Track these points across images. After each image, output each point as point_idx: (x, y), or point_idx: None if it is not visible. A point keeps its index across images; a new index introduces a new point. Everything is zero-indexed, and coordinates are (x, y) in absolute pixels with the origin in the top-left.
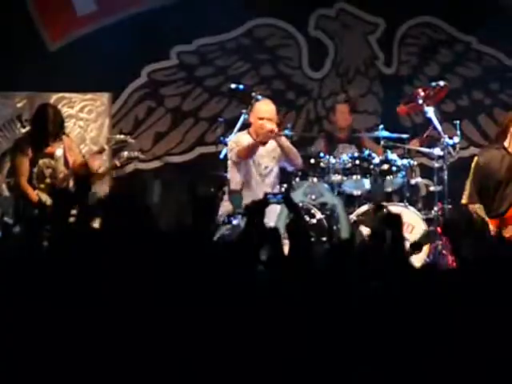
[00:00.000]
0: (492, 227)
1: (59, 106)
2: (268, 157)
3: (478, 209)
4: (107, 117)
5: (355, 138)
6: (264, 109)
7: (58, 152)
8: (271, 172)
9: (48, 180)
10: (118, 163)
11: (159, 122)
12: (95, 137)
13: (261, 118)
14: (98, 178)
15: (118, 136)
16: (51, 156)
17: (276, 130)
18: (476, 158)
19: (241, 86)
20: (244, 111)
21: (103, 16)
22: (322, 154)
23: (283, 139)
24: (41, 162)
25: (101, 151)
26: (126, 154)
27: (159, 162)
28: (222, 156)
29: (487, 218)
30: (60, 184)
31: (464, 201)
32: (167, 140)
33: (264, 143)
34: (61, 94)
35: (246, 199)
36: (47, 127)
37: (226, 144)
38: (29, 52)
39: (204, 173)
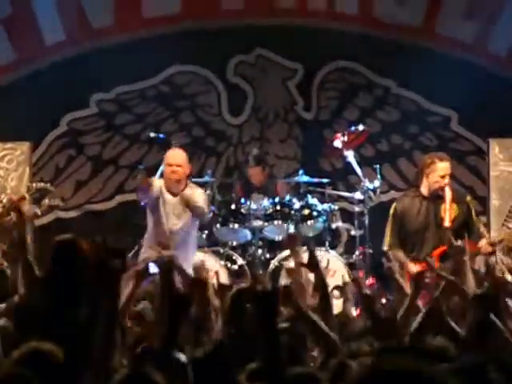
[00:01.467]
0: (415, 269)
1: None
2: (177, 211)
3: (398, 254)
4: (28, 166)
5: (270, 186)
6: (172, 156)
7: None
8: (180, 226)
9: None
10: (38, 212)
11: (79, 170)
12: (16, 186)
13: (169, 165)
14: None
15: (38, 184)
16: None
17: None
18: (394, 205)
19: (160, 135)
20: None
21: (22, 65)
22: (242, 200)
23: (187, 192)
24: None
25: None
26: (46, 202)
27: (80, 210)
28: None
29: (409, 261)
30: None
31: (385, 248)
32: (88, 188)
33: (174, 193)
34: None
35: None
36: None
37: (145, 191)
38: None
39: (125, 221)
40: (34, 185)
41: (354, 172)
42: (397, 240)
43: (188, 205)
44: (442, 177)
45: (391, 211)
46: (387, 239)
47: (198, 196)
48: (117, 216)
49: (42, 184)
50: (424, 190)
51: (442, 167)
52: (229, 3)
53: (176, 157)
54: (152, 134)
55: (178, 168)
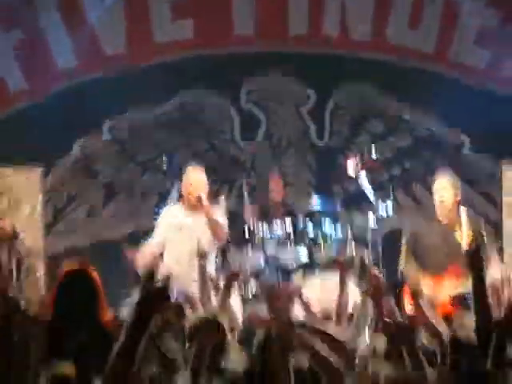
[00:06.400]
0: (430, 284)
1: None
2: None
3: (414, 272)
4: (40, 191)
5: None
6: (193, 175)
7: None
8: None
9: None
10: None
11: (92, 196)
12: (29, 212)
13: (189, 184)
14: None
15: None
16: None
17: (204, 197)
18: (408, 226)
19: (173, 160)
20: (177, 183)
21: (34, 91)
22: (255, 224)
23: (210, 210)
24: None
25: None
26: None
27: (92, 237)
28: None
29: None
30: None
31: (401, 266)
32: (100, 215)
33: (194, 211)
34: None
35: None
36: None
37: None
38: None
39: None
40: None
41: (366, 197)
42: (411, 259)
43: (210, 225)
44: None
45: (405, 231)
46: (402, 257)
47: (220, 217)
48: (130, 243)
49: None
50: (437, 211)
51: (438, 184)
52: (241, 29)
53: (198, 178)
54: (165, 159)
55: (198, 186)
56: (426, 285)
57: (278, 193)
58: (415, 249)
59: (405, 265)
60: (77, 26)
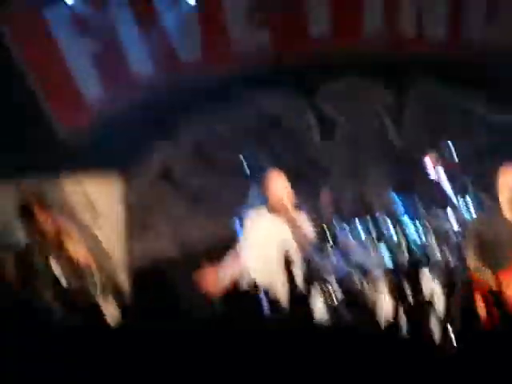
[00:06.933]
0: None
1: (71, 190)
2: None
3: (482, 268)
4: (120, 199)
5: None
6: (276, 181)
7: None
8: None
9: None
10: None
11: (173, 204)
12: (109, 219)
13: (274, 190)
14: None
15: None
16: None
17: (288, 203)
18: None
19: (253, 162)
20: (258, 188)
21: (112, 99)
22: (335, 222)
23: (296, 218)
24: None
25: None
26: None
27: (175, 247)
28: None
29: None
30: None
31: (470, 264)
32: (182, 224)
33: (279, 215)
34: (72, 178)
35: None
36: None
37: (242, 220)
38: (38, 136)
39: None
40: None
41: (447, 197)
42: (478, 254)
43: (295, 231)
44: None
45: (469, 226)
46: (470, 254)
47: (306, 224)
48: (213, 248)
49: None
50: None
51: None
52: (318, 31)
53: (279, 180)
54: (246, 165)
55: (282, 192)
56: (494, 281)
57: (329, 210)
58: (481, 245)
59: (473, 262)
60: (152, 34)
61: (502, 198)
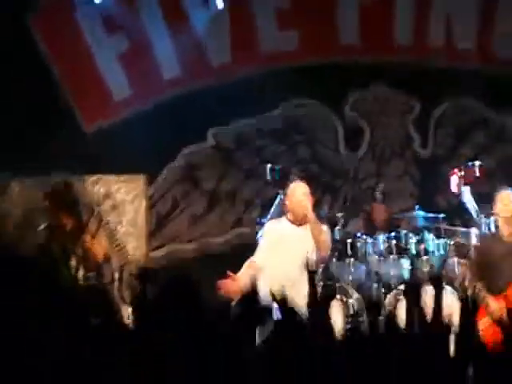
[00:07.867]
0: (497, 305)
1: (95, 188)
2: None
3: (480, 287)
4: (144, 199)
5: (394, 223)
6: (299, 192)
7: None
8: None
9: None
10: None
11: (195, 204)
12: (133, 218)
13: (296, 198)
14: None
15: None
16: None
17: (309, 213)
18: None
19: (277, 168)
20: (280, 192)
21: (139, 100)
22: (358, 234)
23: (316, 226)
24: None
25: None
26: None
27: (195, 245)
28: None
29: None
30: None
31: (470, 287)
32: (203, 222)
33: (300, 225)
34: (96, 176)
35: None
36: None
37: (262, 225)
38: (65, 134)
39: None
40: None
41: (469, 212)
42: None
43: (315, 238)
44: (506, 205)
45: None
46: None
47: (325, 232)
48: (232, 251)
49: None
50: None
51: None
52: (347, 39)
53: (302, 191)
54: (269, 167)
55: (306, 201)
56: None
57: (381, 220)
58: (481, 266)
59: (474, 283)
60: (182, 35)
61: (501, 220)
